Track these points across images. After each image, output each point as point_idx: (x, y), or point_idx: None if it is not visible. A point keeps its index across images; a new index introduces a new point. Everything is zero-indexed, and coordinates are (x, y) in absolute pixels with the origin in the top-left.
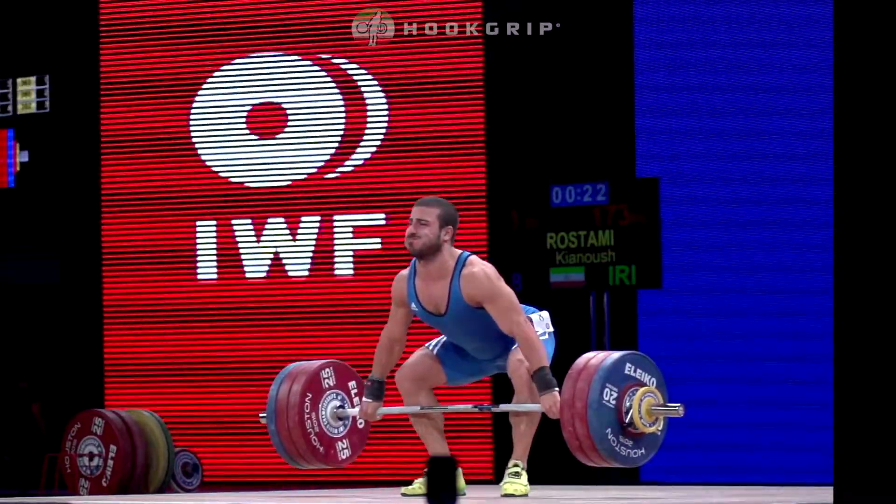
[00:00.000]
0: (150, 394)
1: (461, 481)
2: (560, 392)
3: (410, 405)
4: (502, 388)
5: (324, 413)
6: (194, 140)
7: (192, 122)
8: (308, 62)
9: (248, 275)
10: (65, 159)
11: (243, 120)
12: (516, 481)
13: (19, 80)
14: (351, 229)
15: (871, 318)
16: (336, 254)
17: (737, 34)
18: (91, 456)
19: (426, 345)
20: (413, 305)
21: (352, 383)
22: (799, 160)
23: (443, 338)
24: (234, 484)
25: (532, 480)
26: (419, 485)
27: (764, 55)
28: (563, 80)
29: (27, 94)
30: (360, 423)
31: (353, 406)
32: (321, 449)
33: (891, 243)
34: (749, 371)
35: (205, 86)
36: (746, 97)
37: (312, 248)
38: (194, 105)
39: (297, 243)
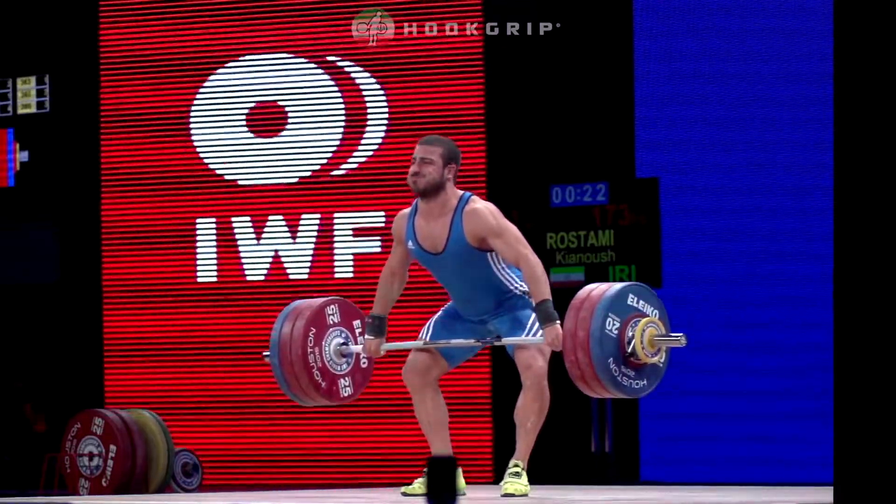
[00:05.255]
0: (150, 392)
1: (461, 481)
2: (562, 324)
3: (419, 402)
4: (503, 387)
5: (327, 349)
6: (194, 139)
7: (192, 121)
8: (308, 62)
9: (247, 275)
10: (65, 159)
11: (243, 119)
12: (516, 481)
13: (19, 80)
14: (351, 229)
15: (872, 317)
16: (336, 254)
17: (737, 37)
18: (91, 456)
19: (419, 335)
20: (410, 244)
21: (356, 322)
22: (799, 160)
23: (431, 322)
24: (234, 484)
25: (532, 480)
26: (419, 485)
27: (764, 56)
28: (563, 81)
29: (27, 94)
30: (364, 362)
31: (356, 344)
32: (323, 384)
33: (891, 242)
34: (749, 371)
35: (205, 85)
36: (746, 97)
37: (312, 248)
38: (195, 103)
39: (297, 243)
